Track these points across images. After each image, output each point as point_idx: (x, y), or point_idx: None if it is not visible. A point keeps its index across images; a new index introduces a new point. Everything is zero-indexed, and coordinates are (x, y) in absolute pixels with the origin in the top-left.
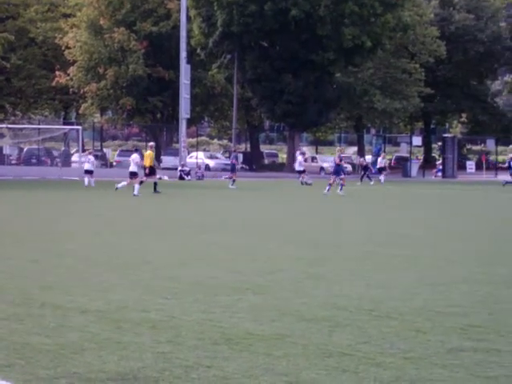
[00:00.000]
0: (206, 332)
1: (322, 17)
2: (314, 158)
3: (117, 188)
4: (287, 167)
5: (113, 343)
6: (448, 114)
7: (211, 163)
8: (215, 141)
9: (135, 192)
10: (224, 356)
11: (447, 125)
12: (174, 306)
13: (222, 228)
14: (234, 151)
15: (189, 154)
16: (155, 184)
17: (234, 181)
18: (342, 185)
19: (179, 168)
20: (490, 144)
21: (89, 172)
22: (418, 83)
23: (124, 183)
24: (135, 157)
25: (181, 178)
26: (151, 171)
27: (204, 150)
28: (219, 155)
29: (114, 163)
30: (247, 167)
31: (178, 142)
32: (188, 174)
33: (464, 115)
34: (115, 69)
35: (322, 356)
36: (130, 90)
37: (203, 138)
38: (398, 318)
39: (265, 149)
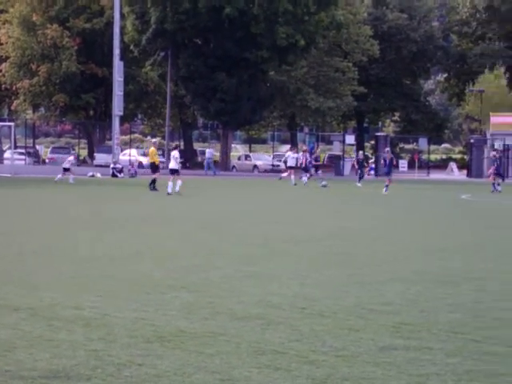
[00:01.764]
0: (139, 330)
1: (255, 15)
2: (247, 156)
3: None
4: (220, 165)
5: (45, 341)
6: (381, 113)
7: (144, 161)
8: (148, 138)
9: (169, 190)
10: (156, 354)
11: (380, 123)
12: (107, 303)
13: (157, 226)
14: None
15: (122, 151)
16: (153, 181)
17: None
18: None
19: (112, 165)
20: (423, 143)
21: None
22: (352, 82)
23: (170, 183)
24: (175, 153)
25: (113, 175)
26: (155, 168)
27: (137, 148)
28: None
29: (47, 160)
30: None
31: (110, 139)
32: (121, 171)
33: (397, 114)
34: (48, 65)
35: (255, 354)
36: (63, 87)
37: (136, 135)
38: (331, 316)
39: (198, 146)
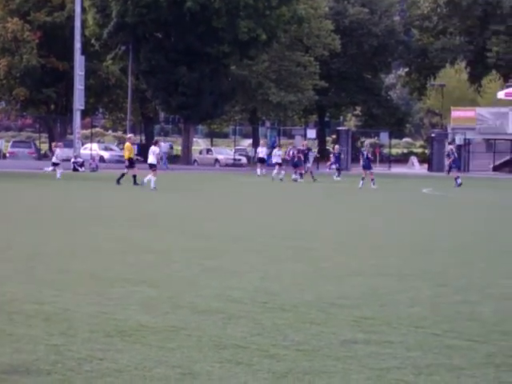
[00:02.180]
0: (99, 324)
1: (217, 9)
2: (209, 150)
3: (143, 183)
4: (182, 159)
5: (5, 335)
6: (342, 107)
7: (106, 155)
8: (110, 132)
9: (152, 185)
10: (117, 348)
11: (341, 118)
12: (67, 298)
13: (117, 221)
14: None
15: (83, 145)
16: (134, 176)
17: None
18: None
19: (72, 159)
20: (384, 137)
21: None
22: (313, 76)
23: (150, 177)
24: (155, 149)
25: (74, 169)
26: (131, 163)
27: (98, 142)
28: (114, 147)
29: (8, 154)
30: (142, 159)
31: (72, 133)
32: (82, 165)
33: (358, 108)
34: (8, 59)
35: (216, 348)
36: (24, 81)
37: (98, 129)
38: (292, 310)
39: (160, 141)
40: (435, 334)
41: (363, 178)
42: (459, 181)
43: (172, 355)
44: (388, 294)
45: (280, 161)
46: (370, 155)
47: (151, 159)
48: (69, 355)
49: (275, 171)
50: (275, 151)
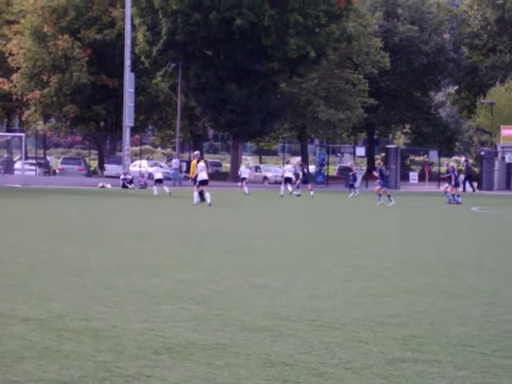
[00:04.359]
0: (148, 341)
1: (266, 27)
2: (257, 168)
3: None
4: (231, 176)
5: (53, 352)
6: (391, 125)
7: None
8: (159, 149)
9: (195, 201)
10: (165, 365)
11: (390, 136)
12: (115, 314)
13: (165, 237)
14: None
15: (132, 162)
16: (201, 193)
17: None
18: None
19: (122, 176)
20: (433, 155)
21: (159, 181)
22: (362, 94)
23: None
24: (203, 164)
25: (124, 186)
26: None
27: (147, 159)
28: (163, 164)
29: (57, 171)
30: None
31: (121, 150)
32: (131, 182)
33: (407, 126)
34: (59, 76)
35: (264, 366)
36: (74, 98)
37: (147, 146)
38: (340, 328)
39: (208, 158)
40: (484, 353)
41: (380, 195)
42: (458, 199)
43: (220, 373)
44: (437, 312)
45: (291, 176)
46: (386, 171)
47: (203, 175)
48: (117, 372)
49: (289, 188)
50: (288, 167)
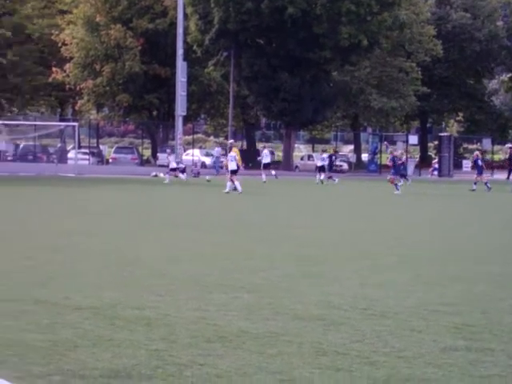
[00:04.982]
0: (200, 330)
1: (318, 15)
2: (310, 156)
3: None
4: (283, 165)
5: (106, 340)
6: (444, 113)
7: (207, 160)
8: (211, 138)
9: (228, 189)
10: (217, 354)
11: (443, 124)
12: (168, 303)
13: (218, 226)
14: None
15: (185, 151)
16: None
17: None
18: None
19: (175, 165)
20: (487, 143)
21: (266, 166)
22: (415, 82)
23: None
24: (234, 154)
25: (176, 175)
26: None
27: (200, 148)
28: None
29: (110, 160)
30: (243, 165)
31: (174, 139)
32: (183, 171)
33: (460, 114)
34: (111, 65)
35: (316, 354)
36: (127, 87)
37: (199, 135)
38: (392, 317)
39: (261, 147)
40: None
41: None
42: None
43: (272, 361)
44: (490, 301)
45: (320, 164)
46: (399, 161)
47: (233, 165)
48: (169, 360)
49: (323, 176)
50: (320, 156)
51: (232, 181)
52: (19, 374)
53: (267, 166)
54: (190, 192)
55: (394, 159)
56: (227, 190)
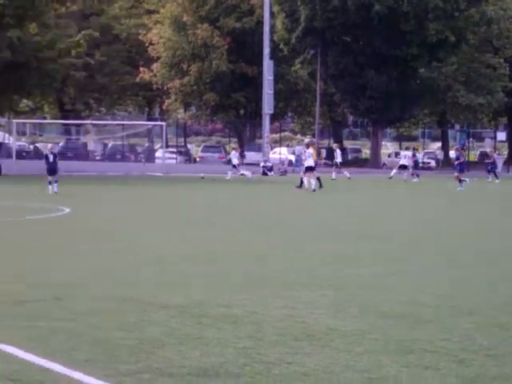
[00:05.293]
0: (288, 328)
1: (405, 12)
2: (397, 154)
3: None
4: (371, 162)
5: (194, 338)
6: None
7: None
8: (298, 136)
9: (313, 187)
10: (305, 352)
11: None
12: (254, 301)
13: (304, 224)
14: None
15: (272, 149)
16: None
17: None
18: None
19: (262, 164)
20: None
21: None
22: (502, 78)
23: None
24: (311, 152)
25: (264, 173)
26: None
27: (287, 146)
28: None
29: (198, 159)
30: (330, 163)
31: (261, 137)
32: (271, 169)
33: None
34: (199, 65)
35: (403, 352)
36: (214, 86)
37: (286, 133)
38: (480, 314)
39: (348, 144)
40: None
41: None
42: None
43: (359, 359)
44: None
45: (406, 163)
46: (462, 158)
47: (310, 162)
48: (257, 358)
49: (405, 174)
50: (405, 153)
51: (307, 178)
52: (108, 371)
53: (338, 165)
54: (276, 190)
55: (458, 156)
56: (313, 187)
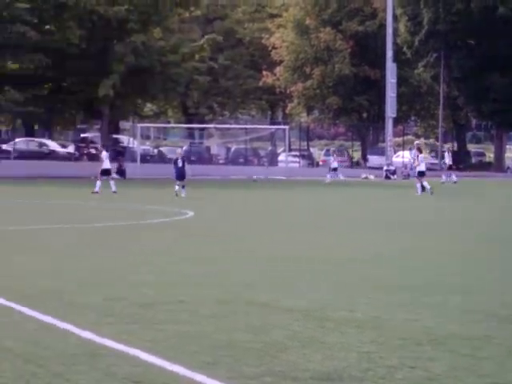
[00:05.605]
0: (410, 332)
1: None
2: None
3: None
4: (494, 166)
5: (317, 342)
6: None
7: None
8: (421, 140)
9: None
10: (428, 357)
11: None
12: (377, 305)
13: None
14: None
15: (395, 153)
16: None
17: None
18: None
19: (385, 167)
20: None
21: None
22: None
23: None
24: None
25: (386, 177)
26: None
27: (410, 149)
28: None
29: (320, 163)
30: (455, 166)
31: (384, 141)
32: (394, 173)
33: None
34: (321, 68)
35: None
36: (336, 90)
37: (409, 137)
38: None
39: (472, 148)
40: None
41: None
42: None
43: (483, 365)
44: None
45: None
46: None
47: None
48: (380, 363)
49: None
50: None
51: (420, 182)
52: (232, 374)
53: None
54: (397, 194)
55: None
56: (429, 190)
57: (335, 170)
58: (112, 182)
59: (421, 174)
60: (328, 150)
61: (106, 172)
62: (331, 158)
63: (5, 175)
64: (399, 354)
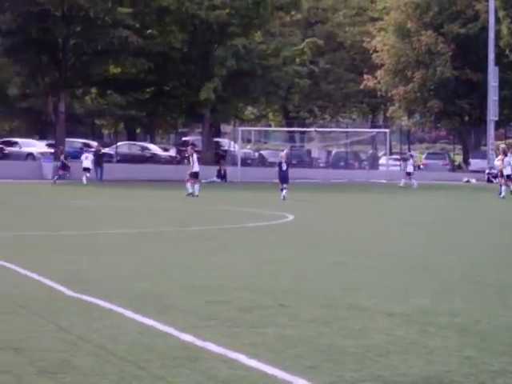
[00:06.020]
0: None
1: None
2: None
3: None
4: None
5: (418, 347)
6: None
7: None
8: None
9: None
10: None
11: None
12: (479, 310)
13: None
14: None
15: (497, 156)
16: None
17: None
18: None
19: (487, 171)
20: None
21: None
22: None
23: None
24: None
25: (489, 180)
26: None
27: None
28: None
29: (421, 166)
30: None
31: (485, 144)
32: (496, 176)
33: None
34: (423, 71)
35: None
36: (438, 93)
37: (511, 140)
38: None
39: None
40: None
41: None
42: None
43: None
44: None
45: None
46: None
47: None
48: (482, 367)
49: None
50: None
51: (507, 185)
52: (332, 379)
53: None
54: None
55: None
56: (502, 194)
57: (409, 174)
58: (196, 186)
59: (508, 177)
60: (429, 154)
61: (195, 175)
62: (409, 161)
63: (107, 178)
64: (501, 359)
